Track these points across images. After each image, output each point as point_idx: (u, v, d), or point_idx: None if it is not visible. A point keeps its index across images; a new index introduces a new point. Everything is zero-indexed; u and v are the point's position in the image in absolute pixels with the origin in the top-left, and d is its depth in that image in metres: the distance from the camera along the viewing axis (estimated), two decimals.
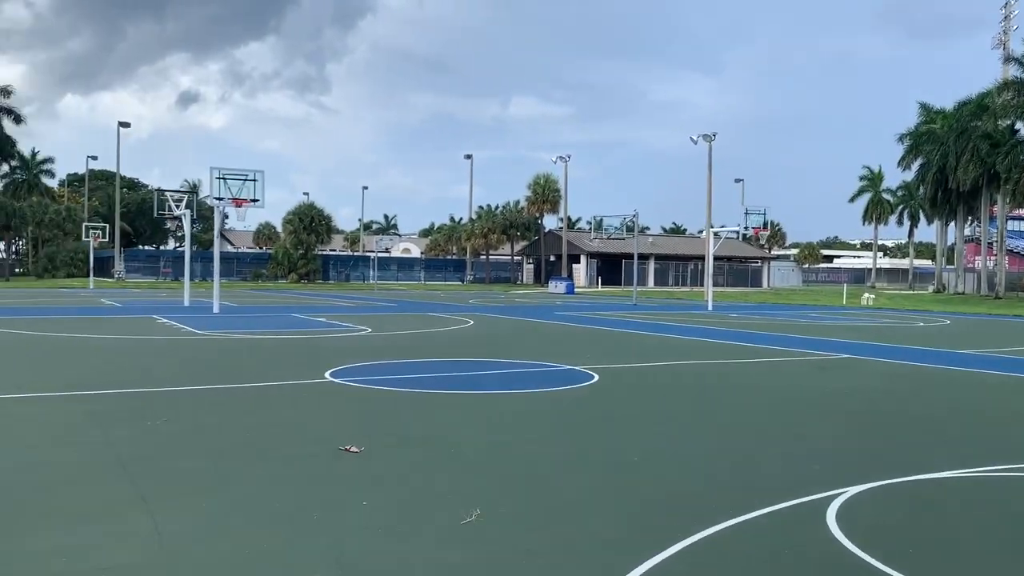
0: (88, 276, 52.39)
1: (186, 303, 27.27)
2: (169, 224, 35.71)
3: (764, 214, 31.37)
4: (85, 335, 16.17)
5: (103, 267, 69.46)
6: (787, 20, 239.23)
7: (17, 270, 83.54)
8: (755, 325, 22.70)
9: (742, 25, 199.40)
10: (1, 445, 6.39)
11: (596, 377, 10.92)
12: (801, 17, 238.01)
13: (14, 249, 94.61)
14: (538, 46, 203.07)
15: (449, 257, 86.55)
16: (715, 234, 34.35)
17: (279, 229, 77.75)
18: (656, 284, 69.67)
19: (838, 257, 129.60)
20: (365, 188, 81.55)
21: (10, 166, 73.94)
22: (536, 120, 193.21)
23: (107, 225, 55.12)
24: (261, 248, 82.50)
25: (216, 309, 23.69)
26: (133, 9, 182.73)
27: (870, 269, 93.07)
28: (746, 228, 31.79)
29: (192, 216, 28.58)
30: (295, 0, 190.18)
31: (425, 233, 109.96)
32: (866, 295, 42.75)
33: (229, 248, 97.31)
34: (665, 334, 19.02)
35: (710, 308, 31.71)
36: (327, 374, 10.67)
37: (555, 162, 67.73)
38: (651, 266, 69.95)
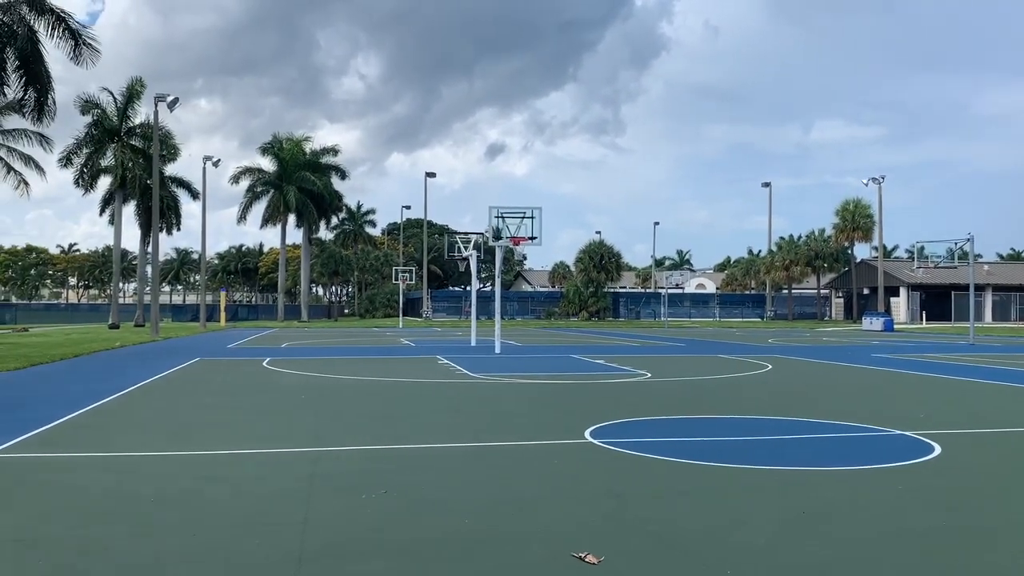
0: (399, 316, 56.34)
1: (472, 343, 27.39)
2: (460, 265, 36.85)
3: None
4: (363, 378, 16.13)
5: (414, 307, 74.87)
6: None
7: (346, 311, 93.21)
8: None
9: None
10: (175, 524, 5.48)
11: (937, 449, 8.18)
12: None
13: (344, 292, 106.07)
14: (843, 66, 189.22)
15: (747, 292, 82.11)
16: None
17: (572, 268, 78.79)
18: (995, 319, 60.20)
19: None
20: (656, 224, 79.84)
21: (338, 218, 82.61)
22: (842, 144, 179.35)
23: (413, 269, 58.87)
24: (554, 287, 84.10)
25: (497, 350, 23.30)
26: (447, 72, 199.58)
27: None
28: None
29: (479, 256, 28.86)
30: (592, 48, 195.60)
31: (720, 267, 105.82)
32: None
33: (526, 287, 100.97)
34: (1022, 384, 15.04)
35: None
36: (587, 432, 9.06)
37: (866, 185, 61.34)
38: (988, 298, 60.64)
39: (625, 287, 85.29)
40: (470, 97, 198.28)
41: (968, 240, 33.72)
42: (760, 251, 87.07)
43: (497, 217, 22.07)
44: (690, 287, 79.72)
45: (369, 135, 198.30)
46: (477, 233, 28.56)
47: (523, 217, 22.05)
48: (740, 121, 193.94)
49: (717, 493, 6.38)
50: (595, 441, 8.59)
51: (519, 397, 13.00)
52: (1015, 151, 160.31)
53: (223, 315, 54.92)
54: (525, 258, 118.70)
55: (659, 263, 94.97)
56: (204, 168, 46.45)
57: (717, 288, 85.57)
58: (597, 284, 68.50)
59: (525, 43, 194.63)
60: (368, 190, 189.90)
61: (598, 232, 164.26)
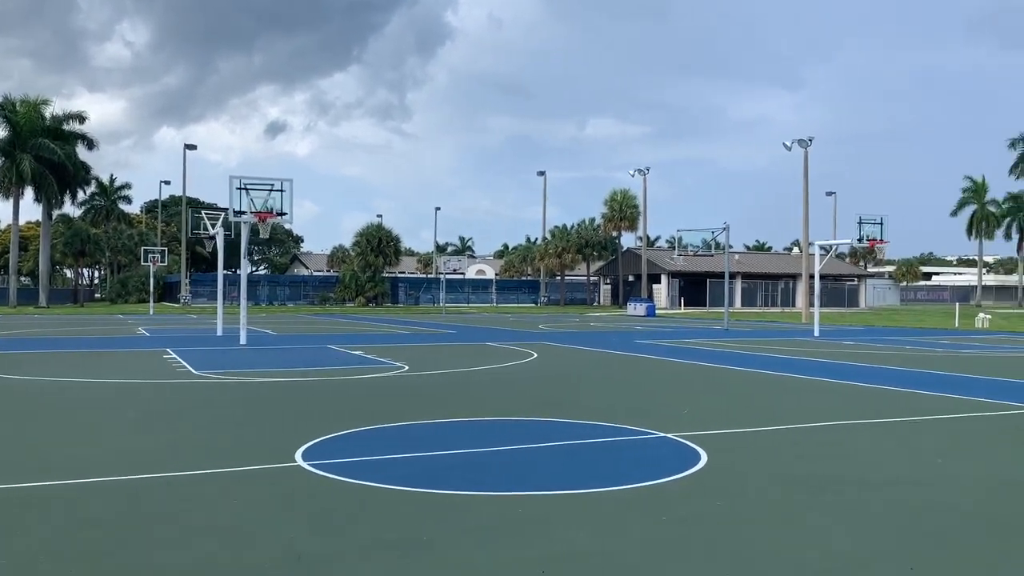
0: (150, 302, 51.03)
1: (219, 332, 24.49)
2: (206, 244, 33.37)
3: (881, 223, 26.84)
4: (52, 378, 13.20)
5: (172, 292, 68.67)
6: (869, 35, 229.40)
7: (97, 295, 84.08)
8: (883, 357, 18.42)
9: (823, 40, 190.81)
10: None
11: (704, 458, 7.17)
12: (884, 32, 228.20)
13: (96, 275, 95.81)
14: (615, 67, 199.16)
15: (523, 278, 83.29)
16: (823, 249, 29.86)
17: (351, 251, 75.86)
18: (743, 305, 64.78)
19: (937, 274, 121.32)
20: (438, 209, 79.07)
21: (86, 193, 73.89)
22: (613, 140, 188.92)
23: (165, 250, 53.62)
24: (332, 271, 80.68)
25: (243, 340, 20.71)
26: (224, 45, 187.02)
27: (974, 286, 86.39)
28: (859, 239, 27.28)
29: (228, 235, 25.85)
30: (378, 31, 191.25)
31: (500, 254, 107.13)
32: (981, 315, 37.52)
33: (303, 271, 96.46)
34: (777, 372, 15.01)
35: (817, 334, 27.34)
36: (300, 452, 7.23)
37: (633, 176, 63.77)
38: (738, 286, 65.12)
39: (405, 272, 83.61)
40: (249, 72, 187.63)
41: (724, 230, 35.25)
42: (536, 239, 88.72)
43: (240, 189, 19.32)
44: (471, 273, 79.48)
45: (135, 106, 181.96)
46: (226, 209, 25.48)
47: (271, 190, 19.51)
48: (521, 114, 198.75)
49: (436, 544, 4.79)
50: (305, 464, 6.78)
51: (237, 402, 10.84)
52: (760, 153, 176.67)
53: None
54: (302, 240, 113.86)
55: (442, 249, 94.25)
56: None
57: (496, 274, 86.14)
58: (375, 269, 66.22)
59: (309, 20, 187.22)
60: (133, 165, 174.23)
61: (379, 216, 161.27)
